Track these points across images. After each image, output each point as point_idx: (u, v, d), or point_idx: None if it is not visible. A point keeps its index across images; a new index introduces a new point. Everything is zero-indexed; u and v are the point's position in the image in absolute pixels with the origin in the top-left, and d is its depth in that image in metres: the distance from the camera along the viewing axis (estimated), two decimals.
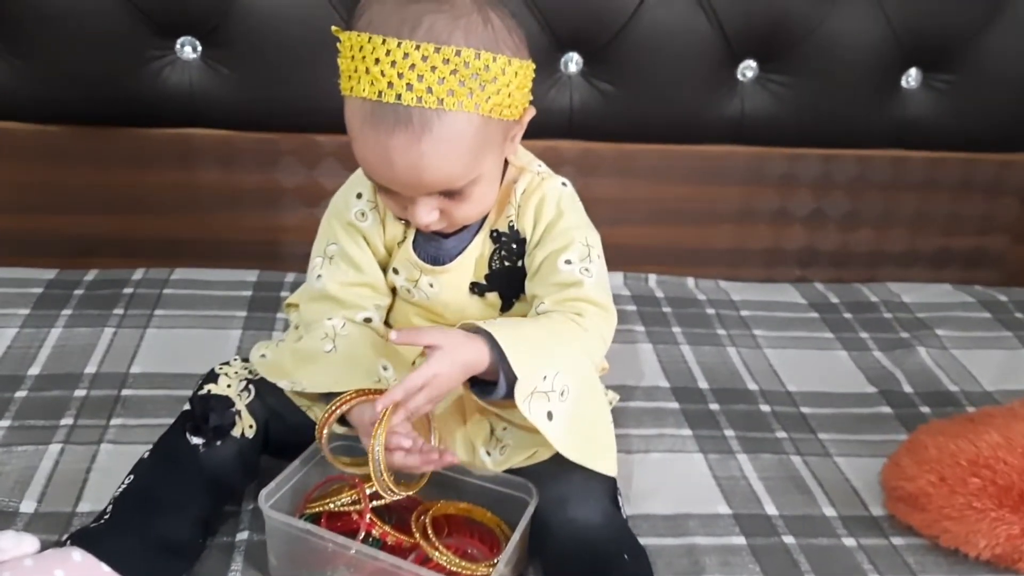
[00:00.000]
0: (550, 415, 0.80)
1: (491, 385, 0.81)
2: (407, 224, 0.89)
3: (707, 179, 1.40)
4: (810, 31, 1.31)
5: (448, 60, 0.72)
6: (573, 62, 1.30)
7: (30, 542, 0.76)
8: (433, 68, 0.72)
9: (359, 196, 0.91)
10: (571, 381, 0.82)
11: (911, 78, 1.39)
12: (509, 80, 0.76)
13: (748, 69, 1.35)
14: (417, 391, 0.76)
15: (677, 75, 1.32)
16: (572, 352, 0.84)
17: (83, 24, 1.20)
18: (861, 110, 1.39)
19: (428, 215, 0.80)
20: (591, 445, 0.83)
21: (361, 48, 0.73)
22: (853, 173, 1.43)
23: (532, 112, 0.83)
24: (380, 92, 0.72)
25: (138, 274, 1.29)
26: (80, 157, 1.28)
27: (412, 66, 0.71)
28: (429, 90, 0.72)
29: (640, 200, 1.39)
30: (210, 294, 1.26)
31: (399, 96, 0.72)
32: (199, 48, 1.24)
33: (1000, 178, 1.46)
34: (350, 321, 0.90)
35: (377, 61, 0.72)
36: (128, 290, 1.25)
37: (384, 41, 0.72)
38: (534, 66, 0.80)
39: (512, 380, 0.78)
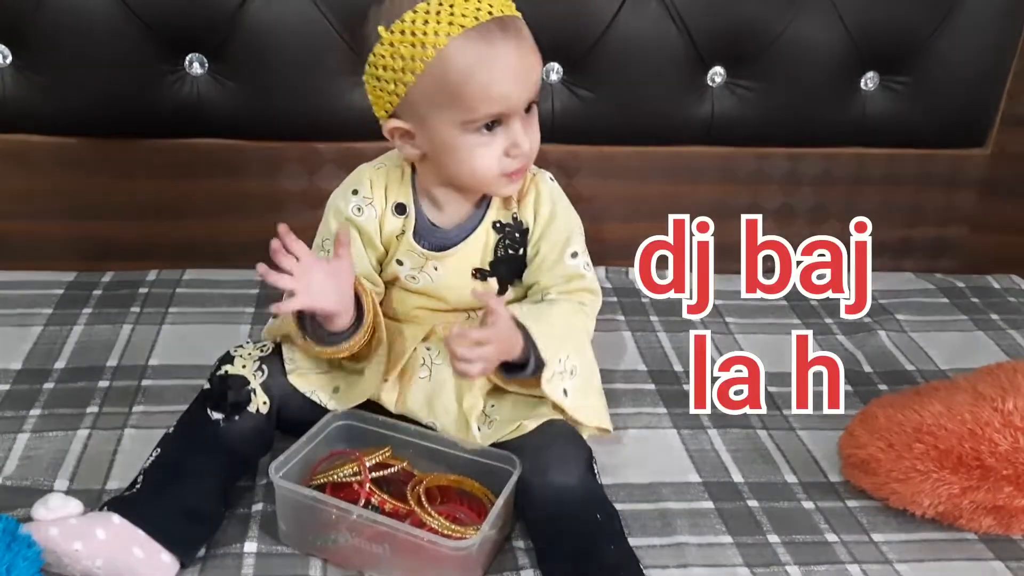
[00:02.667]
0: (565, 392, 0.92)
1: (515, 367, 0.92)
2: (406, 217, 0.98)
3: (682, 178, 1.46)
4: (773, 39, 1.38)
5: None
6: (554, 71, 1.37)
7: (75, 504, 0.83)
8: None
9: (355, 193, 0.99)
10: (578, 361, 0.95)
11: (869, 80, 1.45)
12: None
13: (717, 75, 1.41)
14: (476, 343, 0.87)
15: (651, 81, 1.38)
16: (580, 337, 0.97)
17: (98, 42, 1.26)
18: (824, 111, 1.45)
19: (527, 136, 0.91)
20: (594, 410, 0.97)
21: (428, 9, 0.85)
22: (818, 170, 1.49)
23: None
24: (476, 17, 0.85)
25: (152, 275, 1.35)
26: (96, 167, 1.34)
27: None
28: (503, 3, 0.88)
29: (620, 198, 1.46)
30: (220, 292, 1.32)
31: (490, 12, 0.86)
32: (206, 63, 1.30)
33: (957, 172, 1.53)
34: None
35: (452, 4, 0.85)
36: (143, 290, 1.31)
37: None
38: None
39: (539, 365, 0.91)
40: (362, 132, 1.28)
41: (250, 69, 1.31)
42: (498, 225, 0.99)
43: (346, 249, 0.90)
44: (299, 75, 1.31)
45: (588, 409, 0.96)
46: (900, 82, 1.46)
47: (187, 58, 1.30)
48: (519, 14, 0.90)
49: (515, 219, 0.99)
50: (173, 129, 1.34)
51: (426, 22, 0.85)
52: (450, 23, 0.85)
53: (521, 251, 1.00)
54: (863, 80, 1.45)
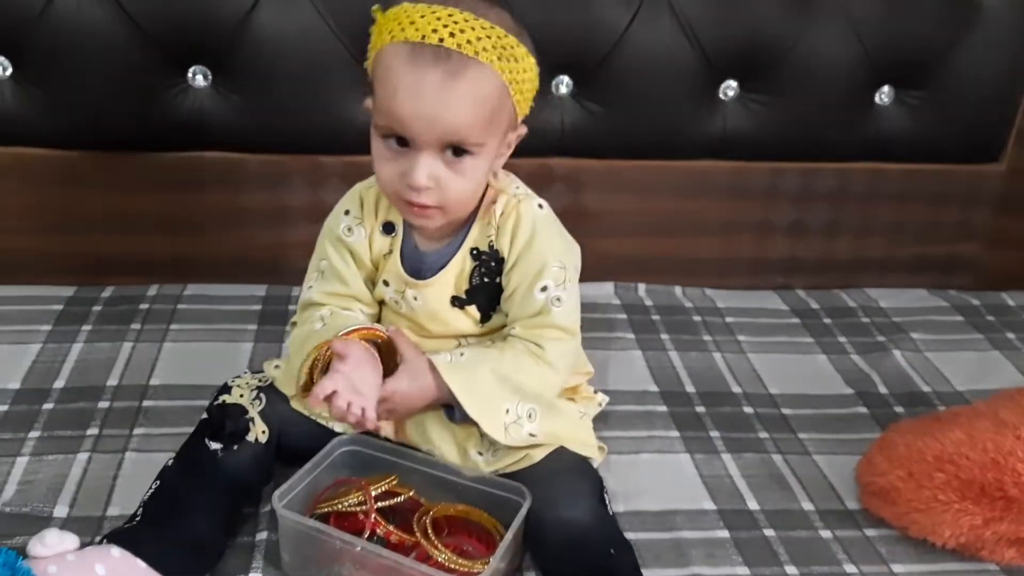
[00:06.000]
0: (532, 435, 0.90)
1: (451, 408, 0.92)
2: (393, 237, 0.97)
3: (693, 193, 1.44)
4: (786, 52, 1.36)
5: (484, 28, 0.83)
6: (563, 84, 1.35)
7: (71, 540, 0.81)
8: (472, 28, 0.83)
9: (347, 213, 0.98)
10: (534, 405, 0.92)
11: (884, 95, 1.43)
12: (525, 69, 0.86)
13: (729, 89, 1.39)
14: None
15: (662, 95, 1.36)
16: (528, 384, 0.93)
17: (100, 54, 1.24)
18: (838, 126, 1.43)
19: (426, 173, 0.85)
20: (572, 443, 0.94)
21: (405, 10, 0.83)
22: (832, 185, 1.47)
23: (524, 131, 0.92)
24: (424, 36, 0.82)
25: (152, 290, 1.33)
26: (97, 180, 1.32)
27: (455, 22, 0.82)
28: (468, 42, 0.82)
29: (629, 213, 1.43)
30: (222, 308, 1.30)
31: (441, 40, 0.82)
32: (210, 76, 1.28)
33: (972, 188, 1.51)
34: (342, 308, 0.97)
35: (422, 16, 0.83)
36: (144, 306, 1.29)
37: (429, 5, 0.84)
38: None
39: (465, 415, 0.90)
40: (367, 146, 1.26)
41: (254, 82, 1.29)
42: (475, 252, 0.96)
43: (349, 347, 0.85)
44: (304, 88, 1.29)
45: (566, 442, 0.94)
46: (915, 97, 1.44)
47: (190, 71, 1.28)
48: (491, 65, 0.83)
49: (491, 247, 0.96)
50: (176, 142, 1.32)
51: (394, 17, 0.84)
52: (402, 29, 0.83)
53: (497, 279, 0.97)
54: (878, 95, 1.44)
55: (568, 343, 0.96)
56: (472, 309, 0.98)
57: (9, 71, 1.25)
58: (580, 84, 1.36)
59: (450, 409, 0.93)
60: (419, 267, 0.96)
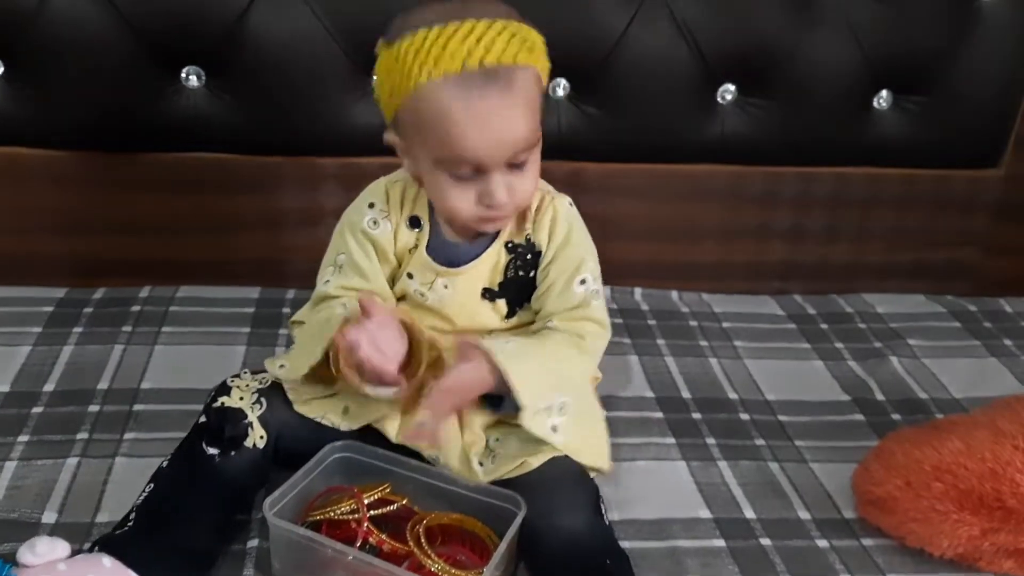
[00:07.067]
0: (554, 428, 0.89)
1: (496, 398, 0.90)
2: (420, 231, 0.97)
3: (690, 197, 1.44)
4: (785, 57, 1.36)
5: (504, 28, 0.83)
6: (561, 87, 1.35)
7: (62, 547, 0.79)
8: (498, 33, 0.82)
9: (371, 206, 0.97)
10: (570, 398, 0.90)
11: (882, 100, 1.43)
12: (543, 54, 0.86)
13: (727, 92, 1.39)
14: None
15: (660, 99, 1.36)
16: (572, 374, 0.93)
17: (93, 54, 1.23)
18: (836, 130, 1.43)
19: (504, 190, 0.87)
20: (590, 448, 0.92)
21: (425, 39, 0.81)
22: (830, 190, 1.47)
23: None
24: (463, 63, 0.81)
25: (144, 292, 1.32)
26: (90, 181, 1.31)
27: (480, 37, 0.81)
28: (503, 51, 0.82)
29: (626, 217, 1.43)
30: (215, 311, 1.29)
31: (481, 61, 0.81)
32: (204, 77, 1.27)
33: (971, 194, 1.51)
34: None
35: (445, 43, 0.81)
36: (136, 308, 1.28)
37: (445, 27, 0.81)
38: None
39: (514, 402, 0.87)
40: (364, 147, 1.27)
41: (249, 83, 1.28)
42: (510, 245, 0.97)
43: (375, 306, 0.86)
44: (300, 89, 1.29)
45: (583, 447, 0.92)
46: (914, 102, 1.44)
47: (184, 71, 1.28)
48: (527, 62, 0.84)
49: (528, 241, 0.97)
50: (169, 143, 1.31)
51: (417, 52, 0.82)
52: (435, 63, 0.81)
53: (532, 274, 0.98)
54: (876, 99, 1.44)
55: (605, 337, 0.98)
56: (501, 303, 0.98)
57: (1, 70, 1.24)
58: (578, 87, 1.36)
59: (492, 400, 0.92)
60: (452, 256, 0.96)
